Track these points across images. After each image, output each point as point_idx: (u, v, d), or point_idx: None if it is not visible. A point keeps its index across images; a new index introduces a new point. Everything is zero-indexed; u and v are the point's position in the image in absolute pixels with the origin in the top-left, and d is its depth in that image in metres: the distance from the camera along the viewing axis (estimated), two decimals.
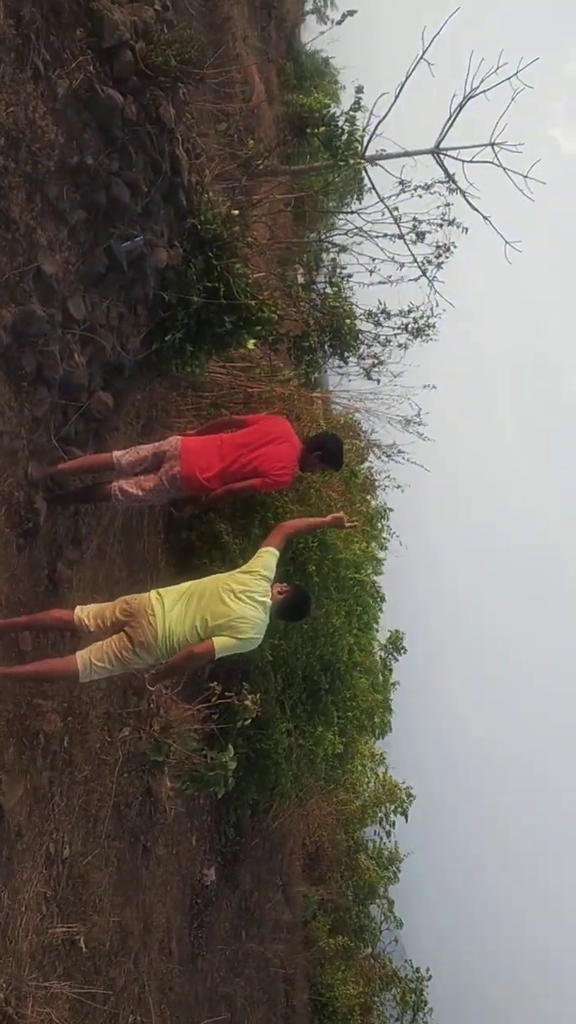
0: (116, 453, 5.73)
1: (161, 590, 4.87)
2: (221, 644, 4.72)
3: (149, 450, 5.71)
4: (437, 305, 9.58)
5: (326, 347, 8.13)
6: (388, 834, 21.14)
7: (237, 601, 4.83)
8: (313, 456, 6.09)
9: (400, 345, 9.54)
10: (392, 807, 20.34)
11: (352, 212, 9.89)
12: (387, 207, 9.04)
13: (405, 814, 20.98)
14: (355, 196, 13.71)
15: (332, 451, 6.12)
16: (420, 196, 9.10)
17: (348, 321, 7.94)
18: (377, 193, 9.16)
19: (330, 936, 16.80)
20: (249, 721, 8.39)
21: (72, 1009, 5.17)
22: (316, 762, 10.84)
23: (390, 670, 17.56)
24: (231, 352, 7.93)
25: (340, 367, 9.42)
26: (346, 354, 8.21)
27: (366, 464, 13.97)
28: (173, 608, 4.75)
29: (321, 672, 10.39)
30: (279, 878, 13.66)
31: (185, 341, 6.66)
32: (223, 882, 10.17)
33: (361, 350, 9.24)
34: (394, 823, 20.63)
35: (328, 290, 8.54)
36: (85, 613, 4.88)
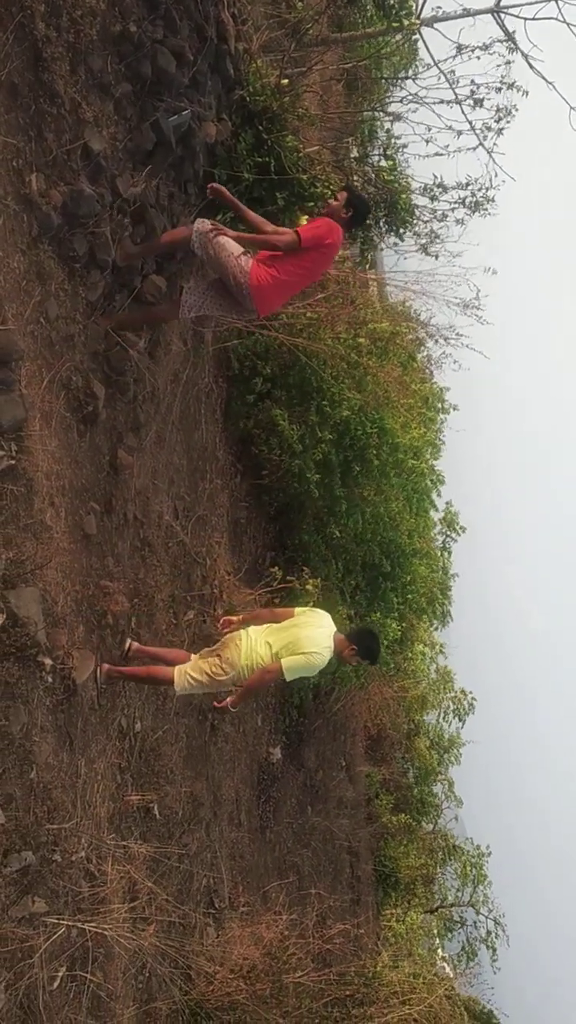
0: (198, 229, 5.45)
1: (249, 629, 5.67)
2: (288, 663, 5.33)
3: (231, 259, 5.46)
4: (496, 176, 9.16)
5: (381, 223, 7.85)
6: (448, 723, 21.61)
7: (305, 627, 5.51)
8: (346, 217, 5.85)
9: (458, 221, 9.18)
10: (452, 705, 20.71)
11: (407, 78, 9.40)
12: (442, 72, 8.57)
13: (462, 719, 21.33)
14: (409, 65, 13.05)
15: (361, 211, 5.81)
16: (479, 58, 8.59)
17: (404, 196, 7.64)
18: (432, 57, 8.68)
19: (392, 814, 17.41)
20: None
21: (149, 869, 5.46)
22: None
23: (449, 552, 17.50)
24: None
25: (396, 244, 9.11)
26: (402, 230, 7.93)
27: (424, 350, 13.73)
28: (254, 636, 5.50)
29: (382, 557, 10.47)
30: (342, 758, 14.12)
31: (237, 220, 6.48)
32: (288, 760, 10.54)
33: (417, 226, 8.91)
34: (450, 723, 21.07)
35: (383, 163, 8.21)
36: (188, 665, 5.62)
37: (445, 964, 22.35)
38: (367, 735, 16.56)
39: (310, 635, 5.44)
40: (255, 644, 5.45)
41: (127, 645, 5.57)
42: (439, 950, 22.93)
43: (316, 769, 11.96)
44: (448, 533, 17.60)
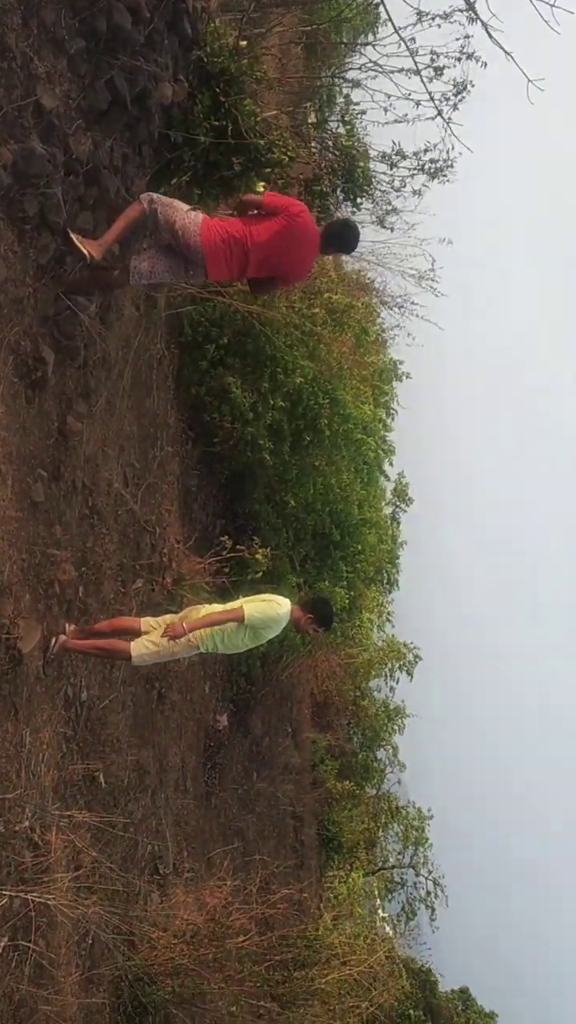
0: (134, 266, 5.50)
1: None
2: (251, 607, 5.53)
3: (179, 214, 5.37)
4: (453, 148, 9.10)
5: (338, 192, 7.78)
6: (392, 690, 21.93)
7: (266, 594, 5.84)
8: (329, 248, 5.98)
9: (415, 191, 9.12)
10: (398, 664, 21.01)
11: (367, 44, 9.27)
12: (402, 39, 8.47)
13: (410, 673, 21.70)
14: (369, 30, 12.88)
15: (342, 239, 5.91)
16: (439, 26, 8.49)
17: (361, 164, 7.56)
18: (393, 24, 8.56)
19: (337, 779, 17.62)
20: (260, 574, 8.55)
21: (94, 837, 5.47)
22: None
23: (398, 522, 17.67)
24: (239, 197, 7.62)
25: (353, 213, 9.04)
26: (359, 199, 7.86)
27: (378, 322, 13.72)
28: (215, 605, 5.73)
29: (332, 526, 10.51)
30: (288, 725, 14.24)
31: (192, 185, 6.38)
32: (235, 727, 10.60)
33: (375, 195, 8.83)
34: (398, 679, 21.36)
35: (341, 129, 8.11)
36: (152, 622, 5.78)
37: (385, 924, 22.85)
38: (313, 702, 16.70)
39: (273, 595, 5.78)
40: (215, 607, 5.71)
41: (70, 631, 5.46)
42: (380, 911, 23.42)
43: (262, 736, 12.05)
44: (398, 504, 17.75)
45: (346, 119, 8.34)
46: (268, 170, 6.50)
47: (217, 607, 5.84)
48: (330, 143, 7.74)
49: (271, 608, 5.62)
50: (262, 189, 6.53)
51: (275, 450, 8.95)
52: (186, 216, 5.40)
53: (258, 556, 8.07)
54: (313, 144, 7.74)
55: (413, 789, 25.11)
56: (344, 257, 13.30)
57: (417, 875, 21.79)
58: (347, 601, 11.88)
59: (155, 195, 5.45)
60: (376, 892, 22.60)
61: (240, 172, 6.40)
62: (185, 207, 5.45)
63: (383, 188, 8.88)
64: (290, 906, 7.99)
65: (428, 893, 21.52)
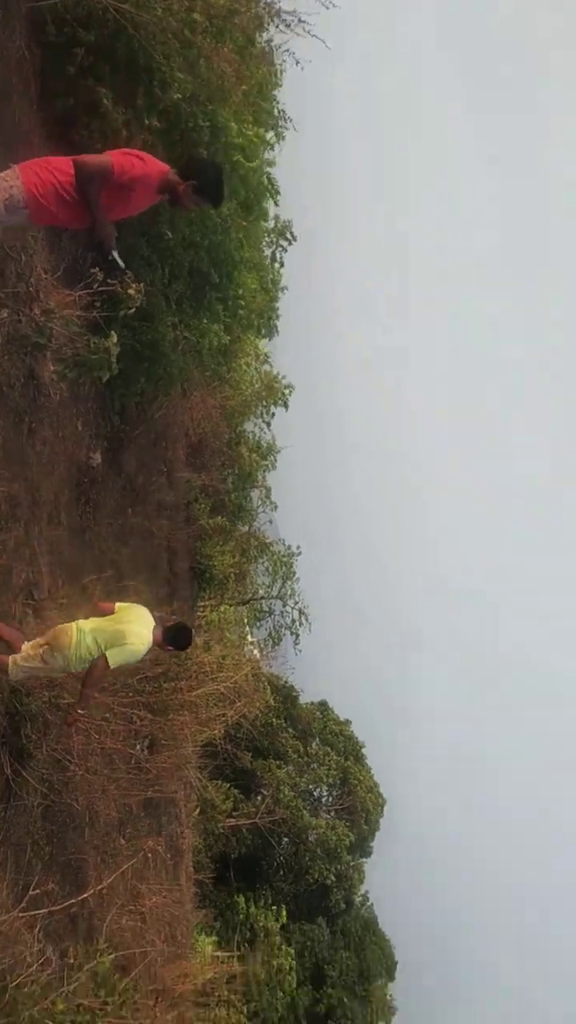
0: None
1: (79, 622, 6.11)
2: (112, 654, 5.88)
3: None
4: None
5: None
6: (268, 424, 22.42)
7: (129, 624, 6.10)
8: (187, 187, 4.75)
9: None
10: (273, 399, 21.34)
11: None
12: None
13: (286, 404, 22.15)
14: None
15: (210, 180, 4.84)
16: None
17: None
18: None
19: (210, 517, 18.28)
20: (133, 311, 8.27)
21: None
22: (202, 354, 10.97)
23: (281, 263, 17.14)
24: None
25: None
26: None
27: (265, 34, 12.57)
28: (84, 628, 5.96)
29: (210, 266, 10.15)
30: (163, 464, 14.44)
31: None
32: (108, 464, 10.67)
33: None
34: (273, 414, 21.79)
35: None
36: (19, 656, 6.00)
37: (253, 647, 24.84)
38: (188, 443, 16.89)
39: (134, 630, 6.06)
40: (84, 638, 5.96)
41: None
42: (248, 636, 25.34)
43: (136, 473, 12.21)
44: (279, 243, 17.10)
45: None
46: None
47: (84, 624, 6.04)
48: None
49: (132, 652, 5.99)
50: None
51: None
52: None
53: (131, 291, 7.75)
54: None
55: (284, 527, 26.43)
56: None
57: (284, 605, 23.50)
58: (225, 343, 11.73)
59: None
60: (245, 620, 24.33)
61: None
62: None
63: None
64: None
65: (293, 621, 23.35)
